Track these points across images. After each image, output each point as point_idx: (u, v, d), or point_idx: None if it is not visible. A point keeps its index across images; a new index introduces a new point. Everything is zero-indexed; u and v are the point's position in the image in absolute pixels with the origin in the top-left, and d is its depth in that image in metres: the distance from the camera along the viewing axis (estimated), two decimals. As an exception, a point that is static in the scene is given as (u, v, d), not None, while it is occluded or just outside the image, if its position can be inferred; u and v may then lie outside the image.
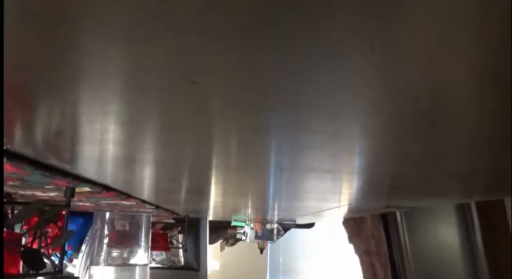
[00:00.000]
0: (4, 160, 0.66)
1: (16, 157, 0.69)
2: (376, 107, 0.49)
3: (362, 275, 2.89)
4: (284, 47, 0.33)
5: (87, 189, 1.10)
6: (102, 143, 0.70)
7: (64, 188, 1.08)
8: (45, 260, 1.05)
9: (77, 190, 1.10)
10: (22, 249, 1.05)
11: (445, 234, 1.82)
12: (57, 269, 1.04)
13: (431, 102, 0.48)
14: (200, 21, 0.29)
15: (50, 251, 1.17)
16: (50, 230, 1.26)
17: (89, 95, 0.46)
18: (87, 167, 0.96)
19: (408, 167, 0.94)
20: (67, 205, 1.07)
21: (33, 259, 1.00)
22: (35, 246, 1.10)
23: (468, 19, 0.29)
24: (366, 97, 0.45)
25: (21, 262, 1.08)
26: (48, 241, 1.24)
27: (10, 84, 0.42)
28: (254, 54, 0.35)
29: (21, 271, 1.05)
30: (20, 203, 1.14)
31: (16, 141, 0.65)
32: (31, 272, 1.01)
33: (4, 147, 0.63)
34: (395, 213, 2.30)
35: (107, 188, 1.17)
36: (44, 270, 1.03)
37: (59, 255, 1.16)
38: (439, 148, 0.71)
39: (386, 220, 2.46)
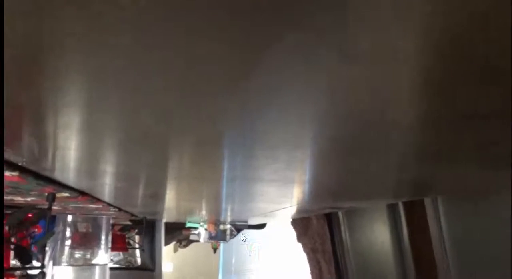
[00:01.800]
0: (16, 173, 0.82)
1: (26, 171, 0.85)
2: (325, 125, 0.57)
3: (309, 271, 3.06)
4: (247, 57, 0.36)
5: (66, 194, 1.25)
6: (78, 156, 0.85)
7: (46, 194, 1.23)
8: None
9: (57, 195, 1.25)
10: (13, 246, 1.20)
11: (379, 231, 2.05)
12: (41, 264, 1.20)
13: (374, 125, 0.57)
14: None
15: (34, 248, 1.32)
16: (36, 230, 1.41)
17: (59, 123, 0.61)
18: (69, 176, 1.12)
19: (349, 178, 1.13)
20: (49, 208, 1.22)
21: (24, 255, 1.15)
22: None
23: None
24: (320, 109, 0.51)
25: (11, 257, 1.23)
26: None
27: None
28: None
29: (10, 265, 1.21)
30: (12, 207, 1.29)
31: (28, 158, 0.81)
32: (19, 265, 1.16)
33: (20, 164, 0.79)
34: (338, 213, 2.52)
35: (83, 193, 1.33)
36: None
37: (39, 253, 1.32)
38: (376, 163, 0.88)
39: (330, 220, 2.67)
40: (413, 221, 1.73)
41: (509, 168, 0.93)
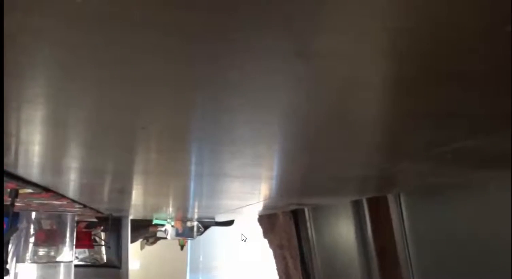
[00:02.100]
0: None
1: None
2: (288, 122, 0.59)
3: (276, 267, 3.07)
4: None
5: (29, 190, 1.24)
6: (42, 152, 0.84)
7: (8, 190, 1.21)
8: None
9: (20, 191, 1.24)
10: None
11: (343, 227, 2.08)
12: (4, 261, 1.18)
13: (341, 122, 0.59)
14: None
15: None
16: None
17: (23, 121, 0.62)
18: (32, 172, 1.11)
19: (315, 174, 1.15)
20: (12, 204, 1.21)
21: (-15, 252, 1.14)
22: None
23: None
24: (283, 107, 0.52)
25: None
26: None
27: None
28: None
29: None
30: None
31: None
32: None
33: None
34: (304, 209, 2.55)
35: (46, 189, 1.31)
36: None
37: None
38: (340, 160, 0.91)
39: (296, 216, 2.69)
40: (377, 217, 1.76)
41: (470, 165, 0.96)
